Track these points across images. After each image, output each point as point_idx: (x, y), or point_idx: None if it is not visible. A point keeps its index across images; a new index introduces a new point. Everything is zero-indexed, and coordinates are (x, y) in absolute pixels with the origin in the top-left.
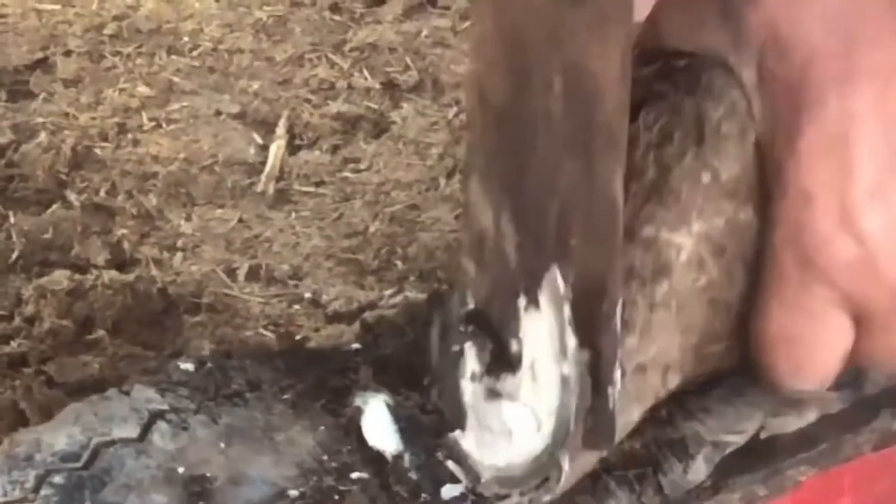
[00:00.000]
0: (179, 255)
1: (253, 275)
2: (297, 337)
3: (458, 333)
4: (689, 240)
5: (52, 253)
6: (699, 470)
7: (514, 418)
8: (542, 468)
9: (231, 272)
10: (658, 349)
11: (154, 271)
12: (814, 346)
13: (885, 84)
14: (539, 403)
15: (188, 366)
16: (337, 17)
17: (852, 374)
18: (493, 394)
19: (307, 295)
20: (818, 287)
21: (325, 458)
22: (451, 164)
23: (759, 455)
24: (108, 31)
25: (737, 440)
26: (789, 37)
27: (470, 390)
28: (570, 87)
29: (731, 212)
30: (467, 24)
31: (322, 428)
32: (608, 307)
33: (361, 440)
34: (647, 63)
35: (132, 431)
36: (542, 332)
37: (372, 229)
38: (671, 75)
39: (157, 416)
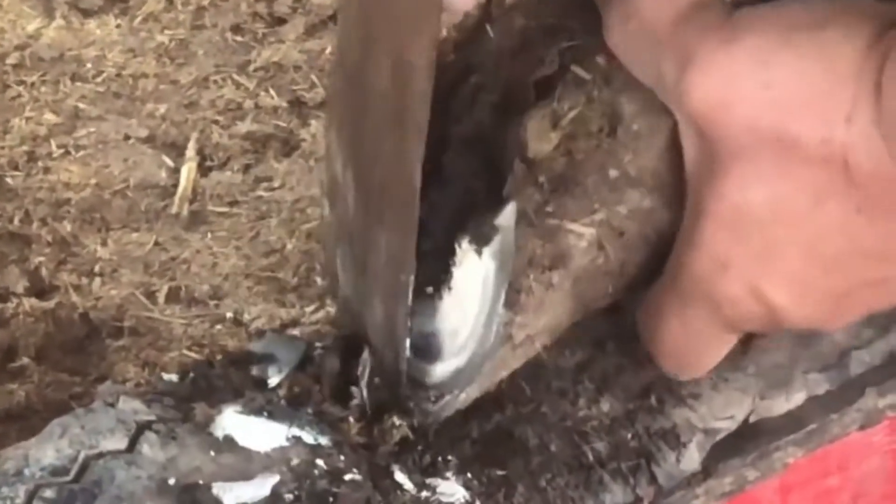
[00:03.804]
0: (98, 280)
1: (173, 297)
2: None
3: None
4: (591, 228)
5: None
6: (692, 458)
7: None
8: None
9: (151, 295)
10: (548, 319)
11: (74, 297)
12: (700, 357)
13: (815, 202)
14: None
15: (172, 376)
16: (239, 38)
17: (837, 355)
18: None
19: (229, 315)
20: (719, 323)
21: (319, 461)
22: None
23: (747, 438)
24: (10, 60)
25: (728, 426)
26: (717, 137)
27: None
28: (394, 70)
29: (635, 200)
30: None
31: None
32: (404, 279)
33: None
34: (568, 38)
35: (120, 443)
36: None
37: (289, 247)
38: (592, 62)
39: (144, 426)
